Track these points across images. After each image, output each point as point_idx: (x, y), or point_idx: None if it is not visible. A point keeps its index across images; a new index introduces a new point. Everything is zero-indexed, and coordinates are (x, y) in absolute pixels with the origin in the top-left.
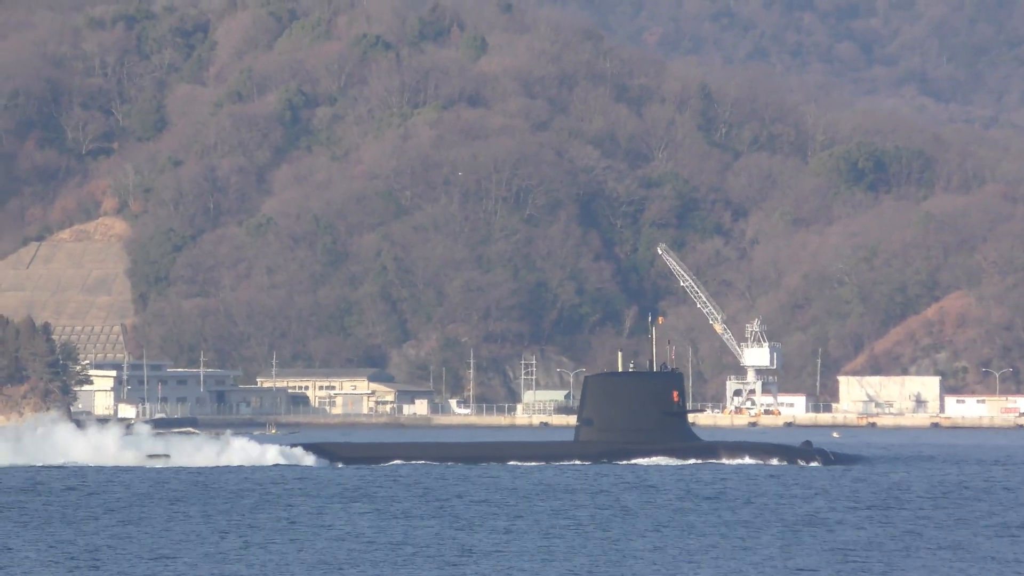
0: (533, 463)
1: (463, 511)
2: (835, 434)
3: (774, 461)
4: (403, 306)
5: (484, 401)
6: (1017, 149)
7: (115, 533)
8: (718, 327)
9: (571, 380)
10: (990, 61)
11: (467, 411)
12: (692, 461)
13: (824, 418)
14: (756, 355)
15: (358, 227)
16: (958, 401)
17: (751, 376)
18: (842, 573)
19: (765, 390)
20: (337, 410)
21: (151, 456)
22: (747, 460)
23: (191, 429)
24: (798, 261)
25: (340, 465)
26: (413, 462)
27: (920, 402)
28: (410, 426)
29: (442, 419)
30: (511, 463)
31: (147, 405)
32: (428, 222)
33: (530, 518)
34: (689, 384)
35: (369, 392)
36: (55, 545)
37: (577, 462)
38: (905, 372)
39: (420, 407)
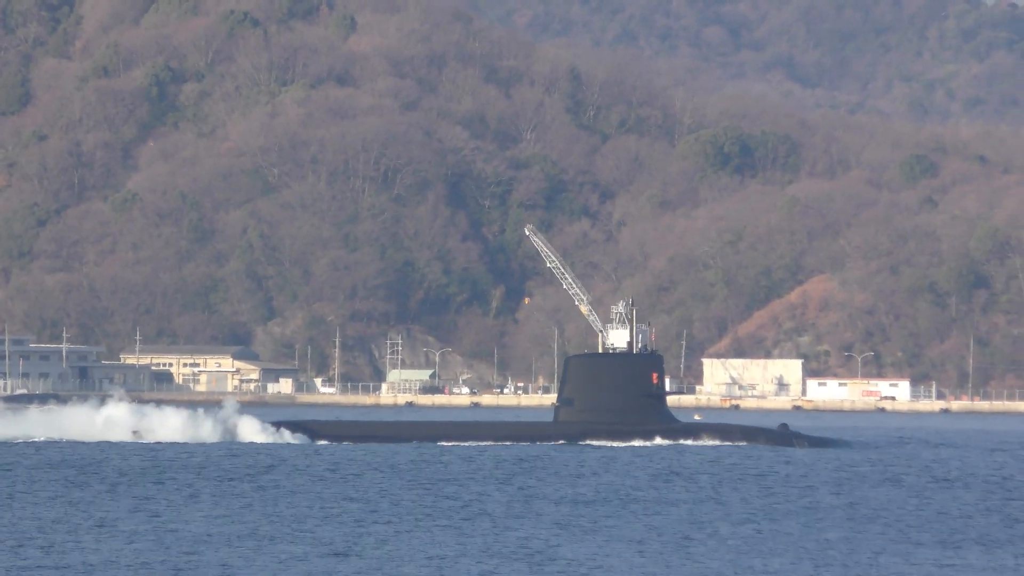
0: (513, 443)
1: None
2: (697, 416)
3: (757, 442)
4: (269, 284)
5: (349, 380)
6: (882, 135)
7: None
8: (584, 308)
9: (437, 359)
10: (856, 47)
11: (332, 390)
12: (673, 442)
13: (688, 400)
14: (621, 337)
15: (224, 204)
16: (820, 384)
17: None
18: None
19: None
20: (201, 387)
21: (134, 432)
22: (727, 442)
23: (52, 405)
24: (664, 244)
25: (323, 443)
26: (395, 442)
27: (783, 385)
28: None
29: (306, 397)
30: (493, 443)
31: (8, 380)
32: (295, 200)
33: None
34: (554, 364)
35: (234, 370)
36: None
37: (558, 442)
38: (768, 355)
39: (285, 385)
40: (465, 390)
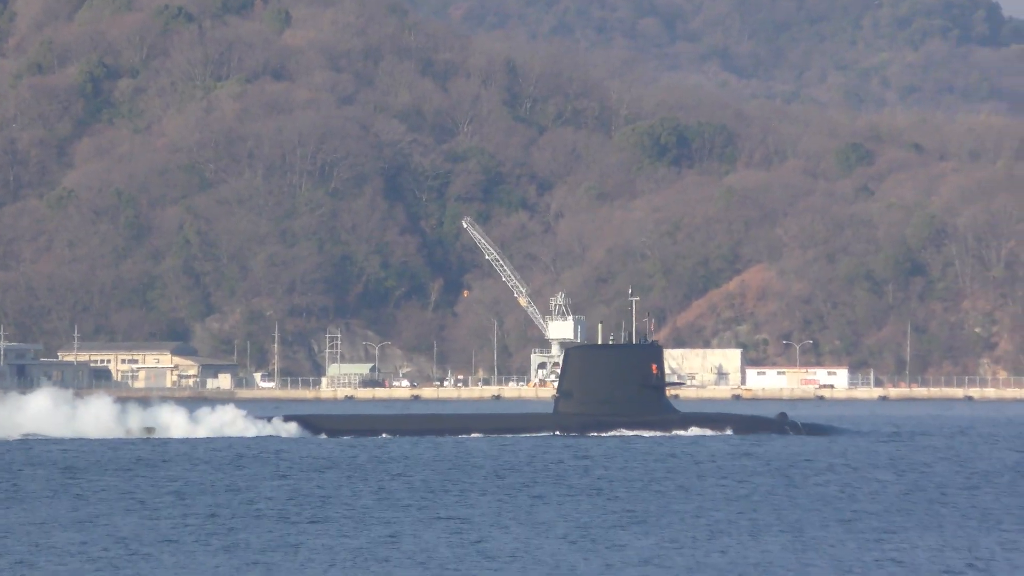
0: (514, 435)
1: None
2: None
3: (757, 433)
4: (207, 280)
5: (289, 375)
6: (817, 125)
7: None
8: (523, 300)
9: (376, 353)
10: (791, 37)
11: (271, 384)
12: (672, 433)
13: None
14: (560, 328)
15: (161, 200)
16: (759, 373)
17: (555, 349)
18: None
19: None
20: (140, 384)
21: (146, 428)
22: (728, 432)
23: None
24: (602, 235)
25: (324, 436)
26: (398, 436)
27: (722, 374)
28: (387, 399)
29: (246, 393)
30: (494, 435)
31: None
32: (232, 196)
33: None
34: (494, 357)
35: (172, 366)
36: None
37: (557, 433)
38: (707, 345)
39: (224, 381)
40: (405, 383)
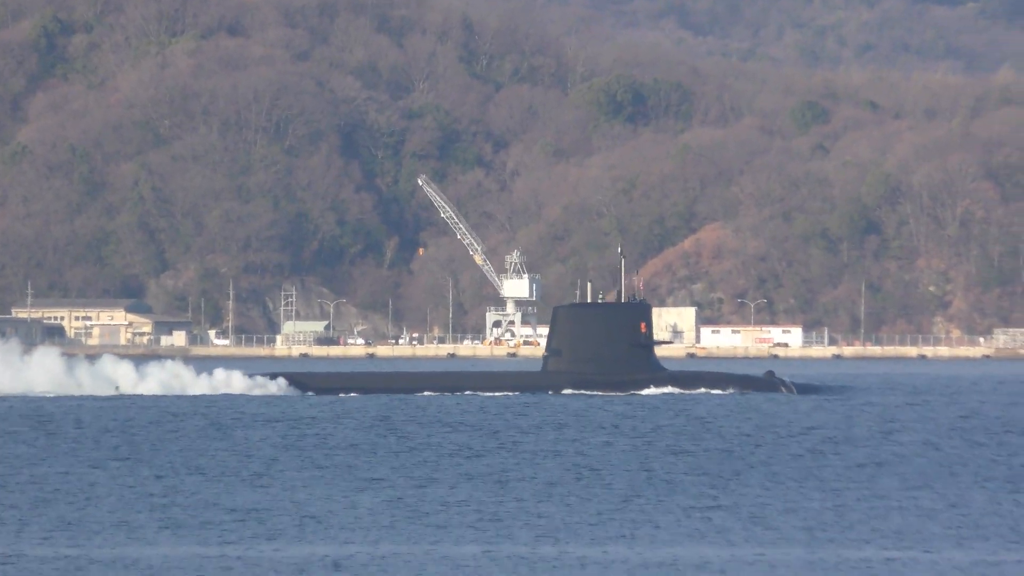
0: (503, 393)
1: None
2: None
3: (750, 391)
4: (161, 236)
5: (243, 332)
6: (773, 82)
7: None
8: (478, 258)
9: (331, 311)
10: None
11: (226, 342)
12: (666, 391)
13: None
14: (515, 286)
15: (115, 156)
16: (713, 332)
17: (511, 307)
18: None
19: (524, 321)
20: (94, 341)
21: (116, 387)
22: (725, 391)
23: None
24: (558, 193)
25: (311, 394)
26: (387, 394)
27: (677, 332)
28: (353, 358)
29: (200, 350)
30: (483, 393)
31: None
32: (187, 152)
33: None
34: (449, 315)
35: (126, 323)
36: None
37: (548, 393)
38: (663, 303)
39: (178, 338)
40: (360, 341)
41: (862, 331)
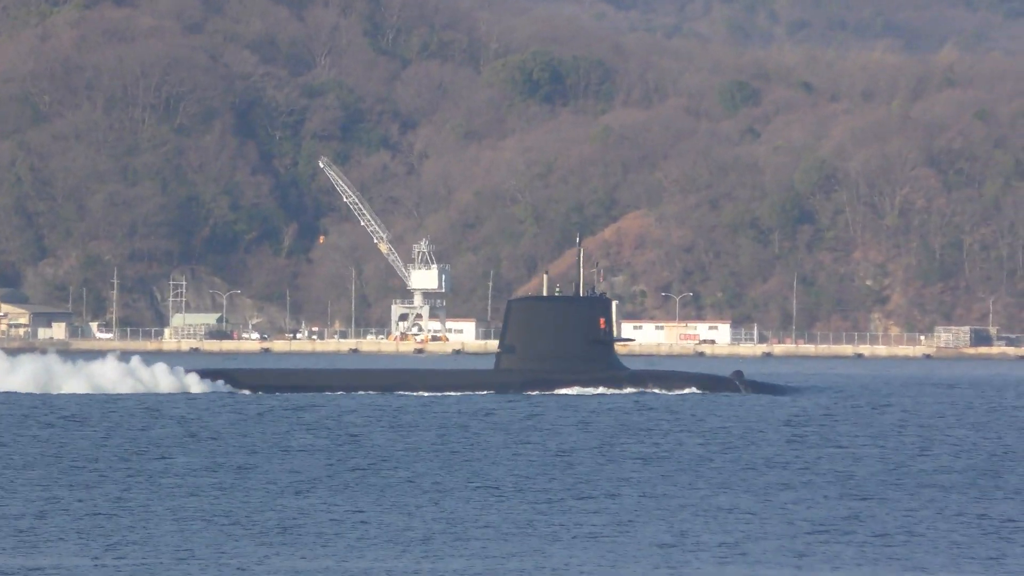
0: (451, 392)
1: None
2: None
3: (711, 391)
4: (40, 220)
5: (129, 324)
6: (700, 60)
7: None
8: (383, 247)
9: (224, 302)
10: None
11: (110, 335)
12: (625, 391)
13: (494, 345)
14: (423, 277)
15: None
16: (635, 327)
17: (418, 300)
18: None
19: (433, 315)
20: None
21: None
22: (685, 391)
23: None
24: (470, 177)
25: (246, 392)
26: (330, 392)
27: None
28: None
29: (82, 344)
30: (428, 393)
31: None
32: (69, 130)
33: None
34: (352, 308)
35: (1, 314)
36: None
37: (496, 392)
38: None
39: (58, 331)
40: (255, 335)
41: (794, 328)
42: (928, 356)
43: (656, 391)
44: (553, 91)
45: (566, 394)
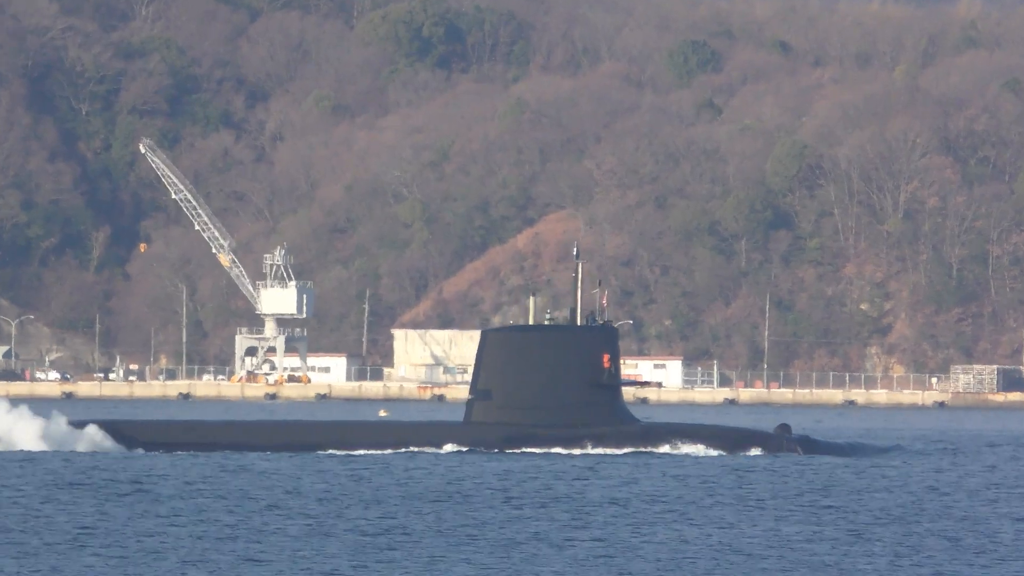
0: (411, 449)
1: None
2: (383, 412)
3: (753, 451)
4: None
5: None
6: (643, 15)
7: None
8: (224, 259)
9: (13, 331)
10: None
11: None
12: (633, 450)
13: (372, 388)
14: (278, 298)
15: None
16: None
17: (270, 329)
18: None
19: (290, 349)
20: None
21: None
22: (711, 451)
23: None
24: (340, 166)
25: (140, 451)
26: (249, 451)
27: None
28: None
29: None
30: (372, 451)
31: None
32: None
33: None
34: (182, 339)
35: None
36: None
37: (465, 450)
38: (486, 323)
39: None
40: (54, 375)
41: (765, 367)
42: (942, 404)
43: (686, 450)
44: (450, 52)
45: (559, 453)
